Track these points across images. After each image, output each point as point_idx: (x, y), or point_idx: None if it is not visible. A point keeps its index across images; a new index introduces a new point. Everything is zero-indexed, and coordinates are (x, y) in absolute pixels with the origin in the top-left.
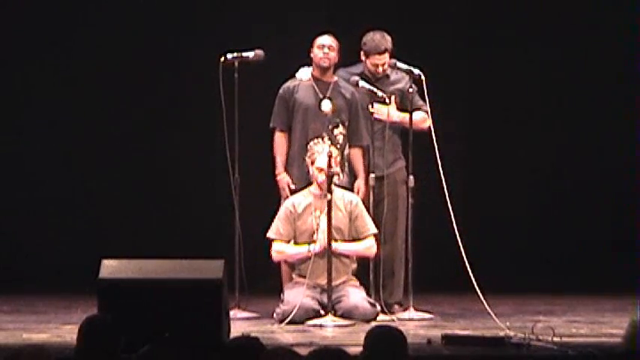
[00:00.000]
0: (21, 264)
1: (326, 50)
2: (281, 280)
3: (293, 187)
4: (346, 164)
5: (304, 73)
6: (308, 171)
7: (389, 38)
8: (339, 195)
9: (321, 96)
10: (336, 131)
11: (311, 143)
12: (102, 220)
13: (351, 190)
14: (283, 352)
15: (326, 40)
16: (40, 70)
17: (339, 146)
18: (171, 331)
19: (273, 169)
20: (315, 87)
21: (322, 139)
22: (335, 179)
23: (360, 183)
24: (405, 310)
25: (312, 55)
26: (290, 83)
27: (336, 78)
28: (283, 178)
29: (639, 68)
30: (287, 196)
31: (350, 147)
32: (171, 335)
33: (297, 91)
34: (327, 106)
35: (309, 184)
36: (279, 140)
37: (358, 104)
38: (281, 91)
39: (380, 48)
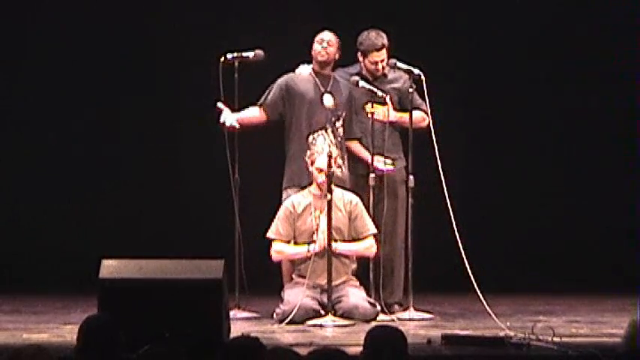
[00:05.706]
0: (21, 264)
1: (325, 45)
2: (281, 280)
3: (236, 118)
4: (345, 158)
5: (304, 69)
6: (307, 167)
7: (384, 35)
8: (339, 195)
9: (322, 89)
10: (337, 124)
11: (313, 144)
12: (102, 220)
13: (352, 185)
14: (283, 352)
15: (325, 35)
16: (42, 70)
17: (339, 139)
18: (172, 330)
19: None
20: (317, 80)
21: (325, 131)
22: (338, 172)
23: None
24: (405, 310)
25: (312, 50)
26: (290, 74)
27: (334, 74)
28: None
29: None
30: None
31: (346, 140)
32: (171, 335)
33: (297, 82)
34: (329, 100)
35: (310, 183)
36: (253, 109)
37: (353, 100)
38: (281, 79)
39: (377, 45)
